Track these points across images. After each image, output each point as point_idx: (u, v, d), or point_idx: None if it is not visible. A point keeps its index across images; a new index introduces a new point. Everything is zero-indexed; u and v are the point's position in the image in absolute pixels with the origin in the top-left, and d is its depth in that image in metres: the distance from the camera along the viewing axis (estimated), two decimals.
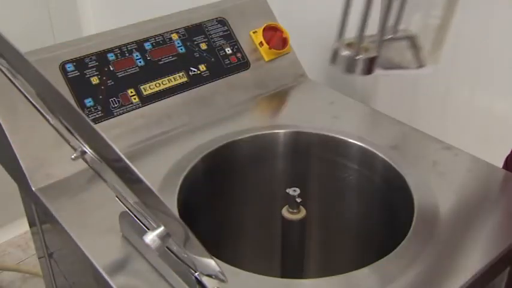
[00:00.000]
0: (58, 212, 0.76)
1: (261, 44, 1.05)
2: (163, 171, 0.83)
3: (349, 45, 0.72)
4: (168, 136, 0.93)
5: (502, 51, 0.86)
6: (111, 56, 0.93)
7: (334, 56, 0.72)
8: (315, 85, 1.08)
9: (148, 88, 0.94)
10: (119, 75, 0.93)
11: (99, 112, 0.89)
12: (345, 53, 0.71)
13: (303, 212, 0.78)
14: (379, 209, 0.90)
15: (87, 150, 0.63)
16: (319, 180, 0.96)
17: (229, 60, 1.03)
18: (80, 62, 0.90)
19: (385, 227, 0.89)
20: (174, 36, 1.00)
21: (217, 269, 0.53)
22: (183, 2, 1.13)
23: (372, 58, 0.71)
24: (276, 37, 1.06)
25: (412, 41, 0.78)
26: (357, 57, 0.70)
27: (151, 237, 0.51)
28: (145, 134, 0.92)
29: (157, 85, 0.95)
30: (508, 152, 0.88)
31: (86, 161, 0.66)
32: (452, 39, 1.05)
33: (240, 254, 1.01)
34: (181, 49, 1.00)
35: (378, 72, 0.72)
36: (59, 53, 0.90)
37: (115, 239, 0.71)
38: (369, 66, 0.71)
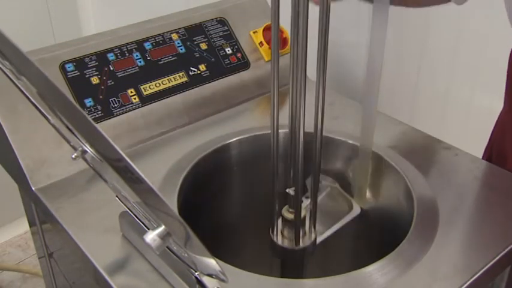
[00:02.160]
0: (58, 212, 0.76)
1: (261, 44, 1.05)
2: (163, 171, 0.83)
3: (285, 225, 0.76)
4: (168, 136, 0.93)
5: (502, 51, 0.86)
6: (111, 56, 0.93)
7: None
8: (315, 85, 1.08)
9: (148, 88, 0.94)
10: (119, 75, 0.93)
11: (99, 112, 0.89)
12: (283, 244, 0.77)
13: (302, 212, 0.77)
14: (379, 209, 0.90)
15: (87, 150, 0.63)
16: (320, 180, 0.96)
17: (229, 60, 1.03)
18: (80, 62, 0.90)
19: (385, 227, 0.89)
20: (174, 36, 1.00)
21: (218, 268, 0.53)
22: (183, 2, 1.13)
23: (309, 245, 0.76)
24: None
25: (336, 190, 0.87)
26: (297, 248, 0.75)
27: (151, 237, 0.51)
28: (145, 134, 0.92)
29: (157, 85, 0.95)
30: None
31: (86, 161, 0.66)
32: (452, 39, 1.05)
33: (240, 254, 1.01)
34: (181, 49, 1.00)
35: (319, 240, 0.78)
36: (59, 53, 0.90)
37: (115, 239, 0.71)
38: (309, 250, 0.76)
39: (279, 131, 0.70)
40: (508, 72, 0.83)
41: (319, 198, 0.85)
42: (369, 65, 0.70)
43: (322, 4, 0.61)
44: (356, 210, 0.84)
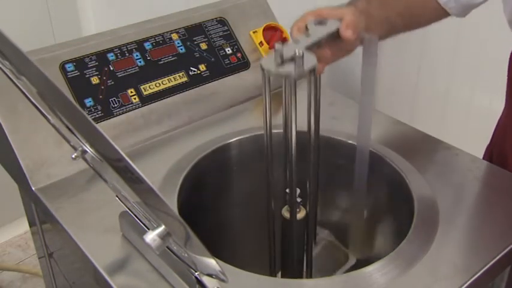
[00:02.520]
0: (58, 212, 0.76)
1: (261, 44, 1.05)
2: (163, 171, 0.83)
3: None
4: (168, 136, 0.93)
5: (502, 52, 0.86)
6: (111, 56, 0.93)
7: None
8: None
9: (148, 88, 0.94)
10: (119, 75, 0.93)
11: (99, 112, 0.89)
12: None
13: (303, 212, 0.77)
14: (379, 209, 0.90)
15: (87, 149, 0.63)
16: (320, 180, 0.96)
17: (229, 60, 1.03)
18: (80, 62, 0.90)
19: (385, 227, 0.89)
20: (174, 36, 1.00)
21: (218, 268, 0.53)
22: (183, 2, 1.13)
23: None
24: (276, 37, 1.06)
25: (332, 243, 0.91)
26: None
27: (151, 237, 0.51)
28: (145, 134, 0.92)
29: (157, 85, 0.95)
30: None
31: (86, 161, 0.66)
32: (452, 39, 1.05)
33: (240, 254, 1.01)
34: (181, 49, 1.00)
35: None
36: (59, 53, 0.90)
37: (115, 239, 0.71)
38: None
39: (280, 131, 0.70)
40: (508, 74, 0.83)
41: (315, 252, 0.88)
42: (363, 77, 0.70)
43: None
44: (351, 262, 0.87)
